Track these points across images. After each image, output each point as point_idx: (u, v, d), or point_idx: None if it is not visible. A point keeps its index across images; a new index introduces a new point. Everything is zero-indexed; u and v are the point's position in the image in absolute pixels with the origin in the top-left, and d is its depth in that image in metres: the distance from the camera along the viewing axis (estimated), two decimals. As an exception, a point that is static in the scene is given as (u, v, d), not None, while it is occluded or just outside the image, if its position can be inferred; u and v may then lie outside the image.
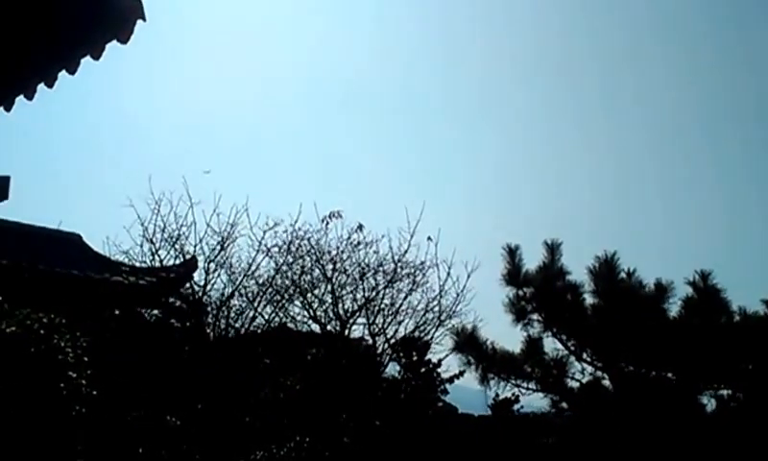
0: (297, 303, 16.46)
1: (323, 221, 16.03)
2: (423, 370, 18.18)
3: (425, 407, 18.55)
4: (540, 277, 9.11)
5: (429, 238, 16.36)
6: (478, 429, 16.65)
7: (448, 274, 16.34)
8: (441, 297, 16.39)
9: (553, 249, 9.27)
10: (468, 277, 16.08)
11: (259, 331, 17.06)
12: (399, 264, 16.28)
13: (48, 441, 8.38)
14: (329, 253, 16.18)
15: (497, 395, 14.65)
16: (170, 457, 13.45)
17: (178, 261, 15.18)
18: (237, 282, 15.50)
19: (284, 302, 16.04)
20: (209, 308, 15.41)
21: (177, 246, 14.96)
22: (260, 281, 15.83)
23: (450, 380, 17.84)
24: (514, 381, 9.75)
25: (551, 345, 9.85)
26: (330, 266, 16.21)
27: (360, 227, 16.15)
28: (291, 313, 16.68)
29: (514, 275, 9.28)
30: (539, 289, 9.19)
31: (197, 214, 15.18)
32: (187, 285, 15.68)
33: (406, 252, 16.27)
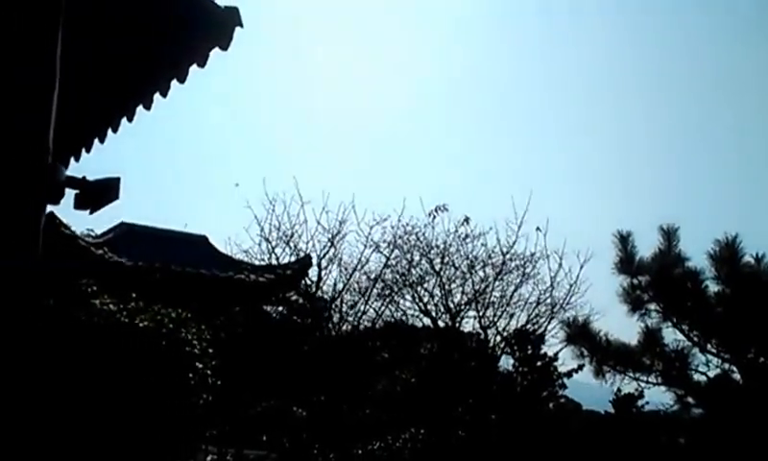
0: (407, 296, 16.64)
1: (429, 215, 16.13)
2: (539, 364, 17.82)
3: (543, 402, 18.18)
4: (657, 264, 8.67)
5: (538, 229, 16.05)
6: (600, 427, 16.07)
7: (560, 265, 15.94)
8: (553, 289, 16.00)
9: (669, 234, 8.79)
10: (581, 267, 15.63)
11: (374, 326, 17.43)
12: (508, 256, 16.07)
13: (178, 427, 9.03)
14: (437, 246, 16.24)
15: (619, 390, 14.08)
16: (292, 445, 14.05)
17: (292, 258, 15.81)
18: (348, 277, 15.91)
19: (394, 295, 16.26)
20: (324, 304, 15.94)
21: (291, 244, 15.58)
22: (370, 276, 16.16)
23: (568, 374, 17.34)
24: (631, 375, 9.35)
25: (671, 336, 9.33)
26: (438, 259, 16.27)
27: (467, 219, 16.11)
28: (402, 307, 16.88)
29: (627, 262, 8.91)
30: (655, 277, 8.76)
31: (308, 213, 15.74)
32: (303, 282, 16.30)
33: (514, 243, 16.06)
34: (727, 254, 7.98)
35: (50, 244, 15.45)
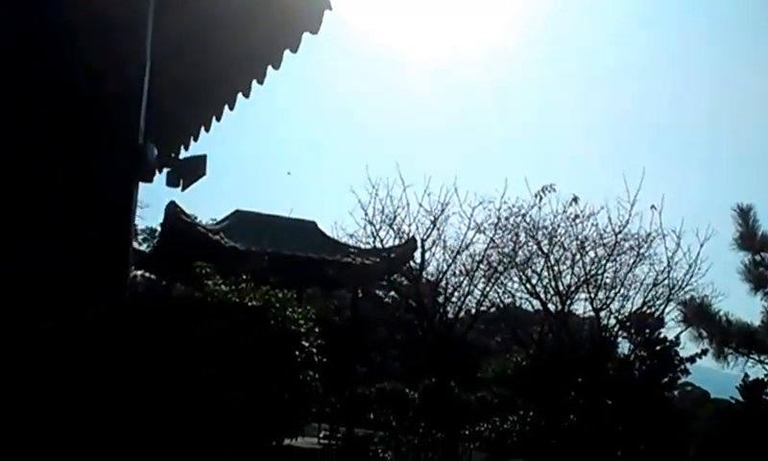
0: (514, 278, 16.33)
1: (536, 196, 15.69)
2: (658, 348, 16.97)
3: (663, 388, 17.31)
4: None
5: (653, 207, 15.18)
6: (729, 416, 15.07)
7: (678, 244, 15.02)
8: (670, 269, 15.10)
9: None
10: (702, 246, 14.64)
11: (480, 308, 17.28)
12: (621, 236, 15.33)
13: (285, 401, 9.41)
14: (545, 227, 15.79)
15: (746, 375, 13.14)
16: (400, 424, 14.21)
17: (396, 242, 15.94)
18: (451, 259, 15.83)
19: (500, 276, 16.00)
20: (428, 284, 15.96)
21: (394, 227, 15.70)
22: (475, 258, 15.99)
23: (691, 360, 16.43)
24: (755, 357, 8.70)
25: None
26: (546, 241, 15.81)
27: (575, 199, 15.52)
28: (509, 289, 16.60)
29: (748, 238, 8.27)
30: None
31: (409, 196, 15.81)
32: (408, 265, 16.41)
33: (627, 222, 15.28)
34: None
35: (173, 228, 16.47)
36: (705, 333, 9.52)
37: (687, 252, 14.93)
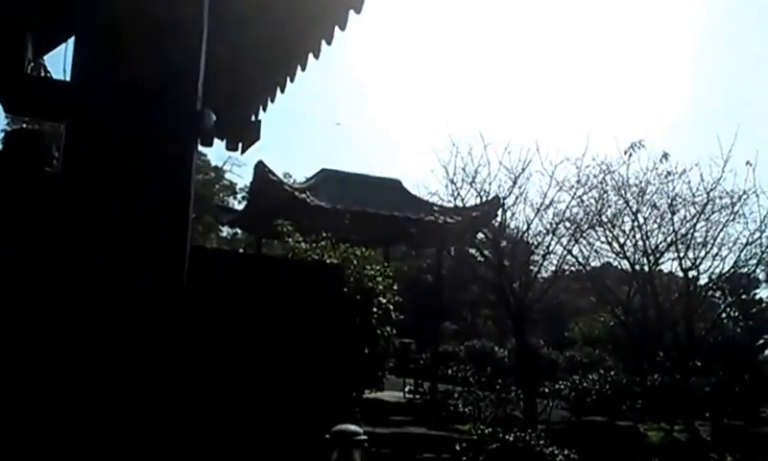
0: (601, 236, 16.01)
1: (625, 153, 15.23)
2: (754, 309, 16.29)
3: (758, 351, 16.64)
4: None
5: (748, 163, 14.49)
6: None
7: (773, 202, 14.26)
8: (765, 228, 14.42)
9: None
10: (800, 203, 13.85)
11: (565, 268, 17.06)
12: (713, 194, 14.75)
13: (363, 355, 9.85)
14: (633, 185, 15.34)
15: None
16: (478, 381, 14.45)
17: (478, 200, 15.95)
18: (534, 215, 15.70)
19: (583, 234, 15.72)
20: (524, 245, 15.90)
21: (475, 186, 15.71)
22: (558, 215, 15.79)
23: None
24: None
25: None
26: (634, 199, 15.37)
27: (665, 156, 14.97)
28: (595, 248, 16.30)
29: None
30: None
31: (490, 155, 15.75)
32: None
33: (720, 180, 14.66)
34: None
35: (261, 187, 17.15)
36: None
37: (786, 209, 14.19)
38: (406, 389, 16.78)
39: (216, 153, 34.26)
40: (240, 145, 4.79)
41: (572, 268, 17.15)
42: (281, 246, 11.17)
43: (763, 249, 14.59)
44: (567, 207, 15.48)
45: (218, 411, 4.25)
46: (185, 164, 3.48)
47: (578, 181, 15.40)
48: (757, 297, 16.42)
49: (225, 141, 4.80)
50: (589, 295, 19.43)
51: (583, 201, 15.53)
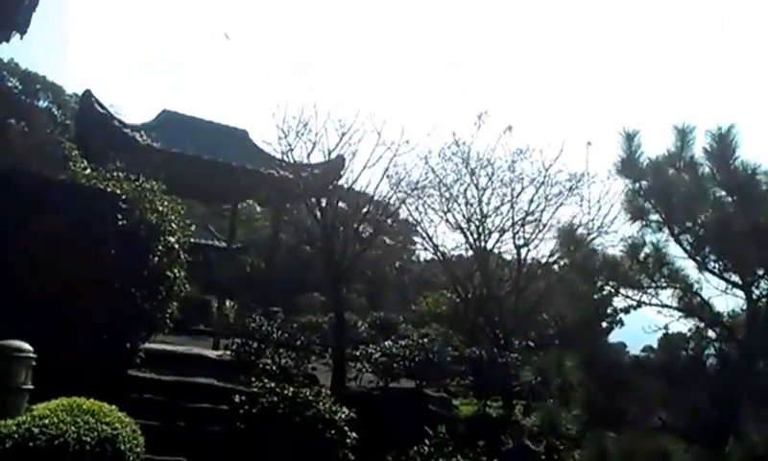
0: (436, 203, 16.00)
1: (475, 124, 15.29)
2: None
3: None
4: (658, 167, 7.40)
5: (588, 143, 15.00)
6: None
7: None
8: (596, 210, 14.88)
9: (684, 134, 7.45)
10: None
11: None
12: (551, 171, 15.03)
13: (140, 298, 8.99)
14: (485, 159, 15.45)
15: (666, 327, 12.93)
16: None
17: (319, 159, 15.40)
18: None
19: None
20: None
21: (307, 140, 15.03)
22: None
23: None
24: (624, 292, 8.21)
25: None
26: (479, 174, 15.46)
27: (509, 128, 15.15)
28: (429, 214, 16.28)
29: (629, 165, 7.66)
30: (654, 182, 7.49)
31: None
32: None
33: (557, 158, 14.97)
34: (718, 152, 6.57)
35: (86, 120, 15.51)
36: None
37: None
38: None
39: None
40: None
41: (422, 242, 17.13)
42: (65, 172, 10.02)
43: (590, 231, 14.92)
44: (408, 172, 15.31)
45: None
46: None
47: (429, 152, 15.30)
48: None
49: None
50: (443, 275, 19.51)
51: (434, 170, 15.52)
